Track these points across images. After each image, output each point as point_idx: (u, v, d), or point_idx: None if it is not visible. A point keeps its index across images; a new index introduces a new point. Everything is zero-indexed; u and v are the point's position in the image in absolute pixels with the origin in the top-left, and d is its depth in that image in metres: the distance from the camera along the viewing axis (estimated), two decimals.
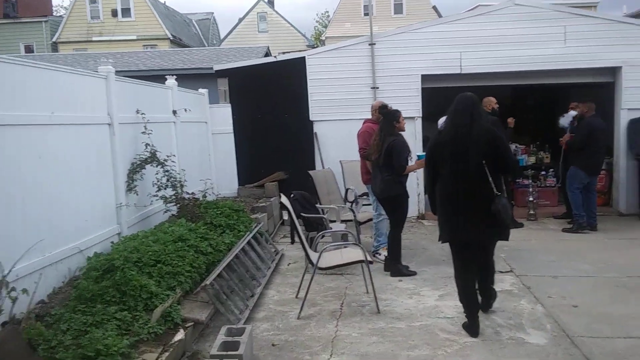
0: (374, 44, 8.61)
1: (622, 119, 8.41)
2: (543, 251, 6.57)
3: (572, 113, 7.79)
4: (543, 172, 9.28)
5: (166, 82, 7.29)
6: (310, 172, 6.84)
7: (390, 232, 5.74)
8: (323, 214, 6.45)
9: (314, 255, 4.65)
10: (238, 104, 9.00)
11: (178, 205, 5.95)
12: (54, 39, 26.51)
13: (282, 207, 4.65)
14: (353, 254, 4.76)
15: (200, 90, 8.78)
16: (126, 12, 26.96)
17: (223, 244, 5.54)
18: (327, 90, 8.71)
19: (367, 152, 5.94)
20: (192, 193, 6.12)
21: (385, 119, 5.70)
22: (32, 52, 24.83)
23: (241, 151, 9.01)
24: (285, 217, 6.49)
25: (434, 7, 23.40)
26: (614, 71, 8.48)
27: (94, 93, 5.19)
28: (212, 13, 36.48)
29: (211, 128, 8.86)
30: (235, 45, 24.53)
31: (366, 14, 28.29)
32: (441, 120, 7.05)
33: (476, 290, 4.28)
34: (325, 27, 35.61)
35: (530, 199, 8.37)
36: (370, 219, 6.46)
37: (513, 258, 6.24)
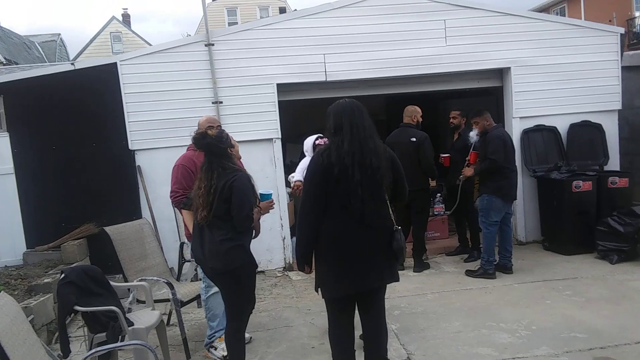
0: (212, 44, 6.48)
1: (515, 130, 7.06)
2: (444, 312, 4.84)
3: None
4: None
5: None
6: (108, 228, 4.45)
7: (228, 327, 3.52)
8: (126, 294, 4.09)
9: None
10: (21, 133, 6.25)
11: None
12: None
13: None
14: None
15: None
16: None
17: None
18: (152, 108, 6.36)
19: (189, 199, 3.81)
20: None
21: (213, 147, 3.40)
22: None
23: (28, 198, 6.27)
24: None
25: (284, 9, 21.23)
26: (502, 73, 7.16)
27: None
28: (59, 34, 32.15)
29: None
30: None
31: None
32: (308, 140, 5.07)
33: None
34: None
35: None
36: (199, 295, 4.27)
37: (407, 330, 4.45)
